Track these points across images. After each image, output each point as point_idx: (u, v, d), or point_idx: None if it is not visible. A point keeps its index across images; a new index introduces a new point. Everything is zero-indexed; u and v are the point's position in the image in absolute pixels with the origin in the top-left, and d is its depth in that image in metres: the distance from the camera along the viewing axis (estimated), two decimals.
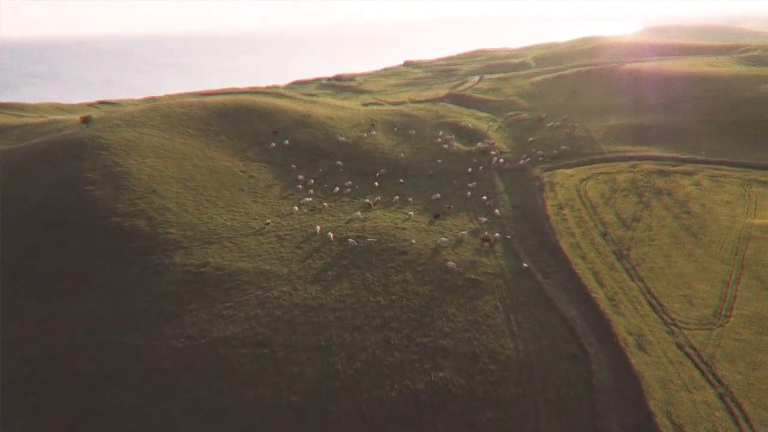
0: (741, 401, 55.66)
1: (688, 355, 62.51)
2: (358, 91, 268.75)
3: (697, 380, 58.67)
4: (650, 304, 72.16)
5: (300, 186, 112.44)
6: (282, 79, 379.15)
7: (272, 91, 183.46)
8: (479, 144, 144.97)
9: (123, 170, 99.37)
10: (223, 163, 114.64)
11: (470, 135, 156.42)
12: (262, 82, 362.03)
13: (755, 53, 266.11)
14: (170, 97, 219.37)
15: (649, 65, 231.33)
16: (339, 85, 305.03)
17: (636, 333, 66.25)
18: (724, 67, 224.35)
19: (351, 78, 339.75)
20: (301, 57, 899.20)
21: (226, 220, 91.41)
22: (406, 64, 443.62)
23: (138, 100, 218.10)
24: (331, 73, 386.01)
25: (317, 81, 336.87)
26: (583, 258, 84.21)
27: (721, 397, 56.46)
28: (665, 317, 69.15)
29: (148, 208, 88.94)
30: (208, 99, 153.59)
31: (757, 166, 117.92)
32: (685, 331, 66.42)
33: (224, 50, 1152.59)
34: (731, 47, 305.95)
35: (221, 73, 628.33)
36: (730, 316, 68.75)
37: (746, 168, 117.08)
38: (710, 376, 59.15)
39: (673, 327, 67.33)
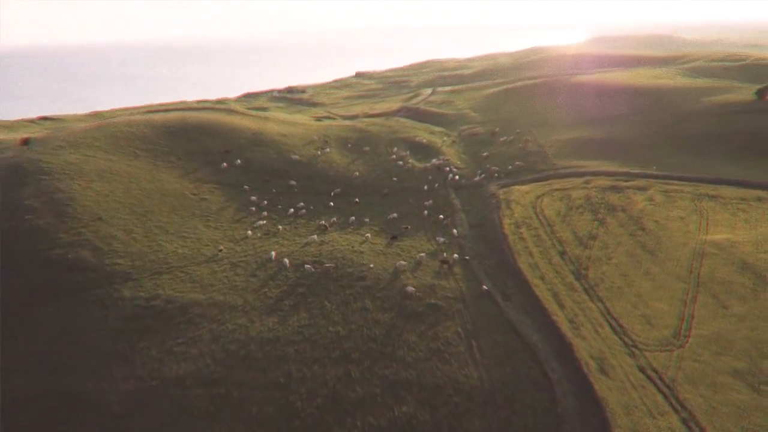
0: (705, 426, 55.77)
1: (650, 378, 62.45)
2: (310, 104, 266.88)
3: (661, 405, 58.56)
4: (610, 325, 72.09)
5: (253, 208, 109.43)
6: (232, 91, 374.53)
7: (223, 107, 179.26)
8: (434, 160, 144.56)
9: (66, 196, 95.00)
10: (172, 185, 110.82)
11: (425, 151, 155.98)
12: (213, 94, 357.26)
13: (697, 64, 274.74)
14: (116, 112, 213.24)
15: (597, 77, 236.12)
16: (291, 97, 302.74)
17: (598, 356, 65.95)
18: (670, 79, 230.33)
19: (303, 90, 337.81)
20: (252, 67, 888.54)
21: (177, 247, 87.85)
22: (358, 75, 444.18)
23: (82, 116, 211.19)
24: (282, 85, 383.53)
25: (269, 93, 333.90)
26: (542, 278, 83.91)
27: (685, 422, 56.42)
28: (626, 339, 69.11)
29: (94, 237, 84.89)
30: (155, 116, 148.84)
31: (707, 180, 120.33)
32: (647, 353, 66.48)
33: (173, 61, 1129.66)
34: (674, 58, 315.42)
35: (170, 84, 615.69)
36: (689, 337, 69.12)
37: (696, 182, 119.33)
38: (673, 401, 59.12)
39: (634, 349, 67.32)
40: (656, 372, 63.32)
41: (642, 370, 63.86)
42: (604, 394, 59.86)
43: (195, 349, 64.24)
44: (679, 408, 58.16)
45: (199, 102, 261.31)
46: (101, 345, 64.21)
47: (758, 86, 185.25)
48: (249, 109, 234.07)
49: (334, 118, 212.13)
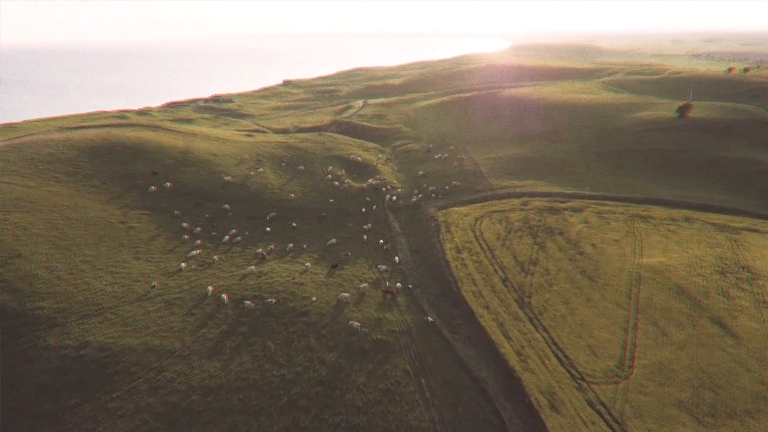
0: None
1: (599, 413, 62.79)
2: (238, 115, 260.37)
3: None
4: (557, 357, 72.26)
5: (186, 236, 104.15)
6: (154, 100, 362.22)
7: (147, 123, 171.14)
8: (371, 180, 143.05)
9: None
10: (98, 213, 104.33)
11: (360, 169, 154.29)
12: (134, 103, 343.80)
13: (618, 77, 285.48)
14: (30, 125, 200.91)
15: (526, 91, 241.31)
16: (217, 107, 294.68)
17: (547, 391, 65.88)
18: (594, 94, 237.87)
19: (229, 99, 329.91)
20: (172, 73, 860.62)
21: (105, 285, 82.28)
22: (285, 83, 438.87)
23: None
24: (206, 93, 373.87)
25: (193, 102, 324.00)
26: (487, 308, 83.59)
27: None
28: (573, 371, 69.37)
29: (13, 277, 78.47)
30: (76, 135, 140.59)
31: (637, 201, 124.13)
32: (594, 386, 66.89)
33: (86, 66, 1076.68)
34: (596, 70, 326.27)
35: (85, 92, 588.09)
36: (633, 367, 70.04)
37: (628, 203, 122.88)
38: None
39: (581, 382, 67.59)
40: (605, 406, 63.67)
41: (591, 404, 64.10)
42: None
43: (132, 404, 60.03)
44: None
45: (120, 113, 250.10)
46: (25, 405, 59.03)
47: (678, 103, 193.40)
48: (174, 120, 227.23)
49: (264, 132, 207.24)
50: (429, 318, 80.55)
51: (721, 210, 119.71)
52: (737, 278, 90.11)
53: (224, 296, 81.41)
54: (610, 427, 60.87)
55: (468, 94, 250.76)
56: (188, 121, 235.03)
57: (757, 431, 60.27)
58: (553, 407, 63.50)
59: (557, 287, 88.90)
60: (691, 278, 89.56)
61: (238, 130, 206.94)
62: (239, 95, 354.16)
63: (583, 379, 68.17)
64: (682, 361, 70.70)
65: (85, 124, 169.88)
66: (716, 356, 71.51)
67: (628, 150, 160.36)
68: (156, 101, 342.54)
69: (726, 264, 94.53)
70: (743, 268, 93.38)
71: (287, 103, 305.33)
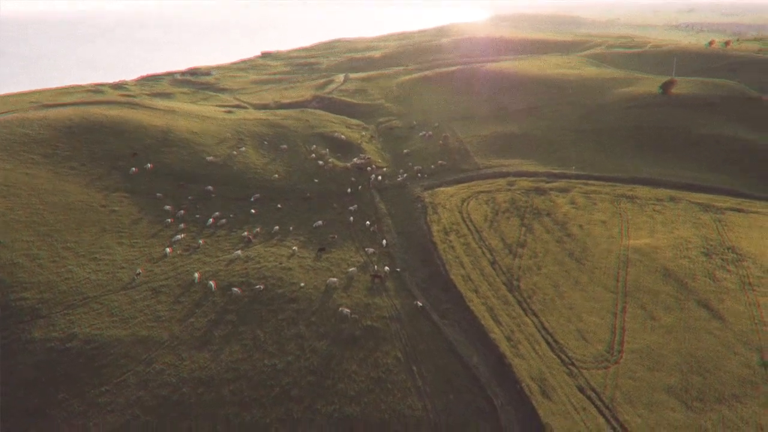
0: None
1: (590, 399, 63.28)
2: (216, 89, 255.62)
3: (603, 428, 59.56)
4: (547, 342, 72.63)
5: (169, 219, 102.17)
6: (130, 72, 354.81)
7: (126, 100, 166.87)
8: (355, 159, 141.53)
9: None
10: (78, 196, 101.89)
11: (344, 148, 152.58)
12: (109, 76, 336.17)
13: (600, 50, 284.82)
14: (3, 99, 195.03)
15: (508, 66, 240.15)
16: (195, 81, 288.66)
17: (538, 377, 66.23)
18: (576, 68, 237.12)
19: (207, 72, 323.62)
20: (147, 45, 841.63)
21: (89, 272, 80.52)
22: (264, 55, 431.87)
23: None
24: (184, 65, 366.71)
25: (170, 76, 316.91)
26: (476, 292, 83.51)
27: None
28: (563, 356, 69.75)
29: None
30: (52, 113, 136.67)
31: (623, 180, 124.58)
32: (584, 372, 67.37)
33: (56, 37, 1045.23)
34: (578, 43, 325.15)
35: (59, 64, 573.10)
36: (622, 352, 70.60)
37: (613, 182, 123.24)
38: (614, 423, 60.19)
39: (571, 367, 68.02)
40: (595, 392, 64.19)
41: (582, 390, 64.59)
42: (548, 419, 60.06)
43: (121, 398, 59.16)
44: (620, 430, 59.18)
45: (95, 86, 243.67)
46: (13, 401, 57.86)
47: (660, 78, 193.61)
48: (152, 95, 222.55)
49: (245, 108, 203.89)
50: (418, 303, 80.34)
51: (706, 189, 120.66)
52: (723, 260, 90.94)
53: (212, 283, 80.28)
54: (600, 413, 61.40)
55: (450, 69, 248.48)
56: (166, 95, 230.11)
57: (744, 416, 61.13)
58: (544, 393, 63.84)
59: (545, 270, 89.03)
60: (678, 260, 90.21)
61: (218, 106, 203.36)
62: (217, 68, 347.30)
63: (573, 364, 68.61)
64: (670, 346, 71.37)
65: (62, 101, 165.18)
66: (704, 340, 72.29)
67: (612, 127, 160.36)
68: (130, 74, 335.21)
69: (712, 245, 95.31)
70: (729, 249, 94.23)
71: (266, 77, 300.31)
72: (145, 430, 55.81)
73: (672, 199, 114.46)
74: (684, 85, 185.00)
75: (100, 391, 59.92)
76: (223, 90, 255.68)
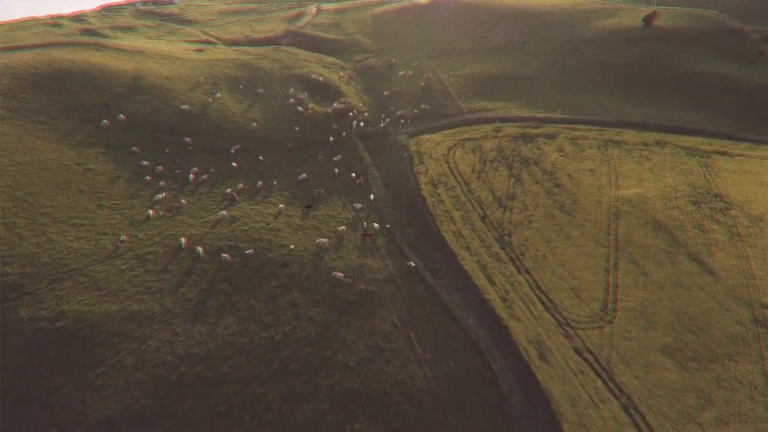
0: (644, 412, 58.31)
1: (587, 361, 64.20)
2: (182, 21, 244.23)
3: (601, 391, 60.45)
4: (542, 301, 73.06)
5: (148, 177, 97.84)
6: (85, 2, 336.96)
7: (91, 41, 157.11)
8: (336, 105, 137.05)
9: None
10: (50, 154, 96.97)
11: (323, 90, 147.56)
12: (63, 6, 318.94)
13: None
14: None
15: None
16: (158, 11, 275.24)
17: (535, 340, 66.81)
18: None
19: (170, 1, 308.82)
20: None
21: (71, 240, 77.43)
22: None
23: None
24: None
25: (131, 6, 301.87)
26: (468, 249, 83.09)
27: (625, 409, 58.72)
28: (558, 317, 70.34)
29: None
30: (13, 60, 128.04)
31: (609, 123, 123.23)
32: (579, 332, 68.10)
33: None
34: None
35: None
36: (616, 310, 71.37)
37: (600, 126, 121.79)
38: (612, 385, 61.24)
39: (567, 328, 68.72)
40: (592, 354, 65.09)
41: (578, 352, 65.41)
42: (547, 384, 60.94)
43: (119, 380, 57.92)
44: (618, 393, 60.37)
45: (52, 19, 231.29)
46: (7, 387, 56.21)
47: (642, 9, 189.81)
48: (113, 29, 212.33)
49: (215, 44, 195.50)
50: (411, 263, 79.70)
51: (691, 131, 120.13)
52: (711, 209, 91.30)
53: (200, 249, 78.10)
54: (598, 375, 62.38)
55: (427, 0, 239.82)
56: (129, 29, 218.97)
57: (738, 375, 62.55)
58: (542, 357, 64.49)
59: (536, 224, 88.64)
60: (667, 211, 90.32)
61: (186, 41, 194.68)
62: None
63: (568, 324, 69.21)
64: (663, 303, 72.20)
65: (19, 43, 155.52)
66: (696, 296, 73.18)
67: (593, 63, 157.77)
68: (89, 5, 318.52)
69: (699, 193, 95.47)
70: (716, 196, 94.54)
71: (234, 6, 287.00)
72: (146, 413, 54.92)
73: (658, 143, 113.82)
74: (667, 17, 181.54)
75: (95, 373, 58.49)
76: (189, 22, 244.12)
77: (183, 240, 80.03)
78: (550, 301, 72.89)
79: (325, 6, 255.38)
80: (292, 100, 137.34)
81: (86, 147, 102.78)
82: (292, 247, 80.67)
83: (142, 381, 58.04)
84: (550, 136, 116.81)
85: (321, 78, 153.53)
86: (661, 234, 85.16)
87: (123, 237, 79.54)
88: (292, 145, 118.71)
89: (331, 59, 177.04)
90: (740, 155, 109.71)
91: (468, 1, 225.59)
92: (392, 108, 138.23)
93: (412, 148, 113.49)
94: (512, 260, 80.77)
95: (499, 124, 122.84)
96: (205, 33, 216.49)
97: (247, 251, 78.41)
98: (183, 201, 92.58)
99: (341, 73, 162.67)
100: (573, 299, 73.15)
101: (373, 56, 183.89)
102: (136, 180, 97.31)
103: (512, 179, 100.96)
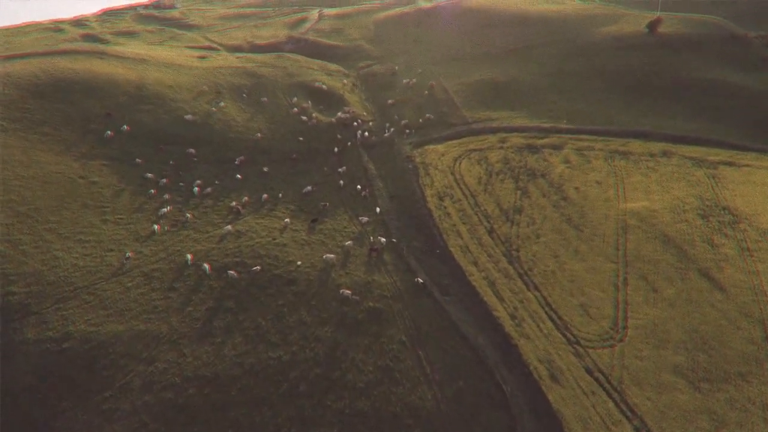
0: None
1: (598, 381, 63.41)
2: (184, 26, 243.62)
3: (613, 413, 59.78)
4: (551, 319, 72.27)
5: (153, 190, 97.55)
6: (88, 5, 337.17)
7: (93, 49, 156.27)
8: (340, 114, 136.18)
9: None
10: (54, 167, 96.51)
11: (327, 99, 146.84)
12: (65, 10, 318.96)
13: None
14: None
15: (490, 1, 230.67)
16: (160, 16, 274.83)
17: (545, 359, 66.10)
18: (561, 3, 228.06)
19: (171, 5, 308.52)
20: None
21: (76, 258, 76.93)
22: None
23: None
24: None
25: (133, 10, 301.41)
26: (476, 264, 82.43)
27: (638, 431, 57.75)
28: (568, 335, 69.57)
29: None
30: (15, 69, 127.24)
31: (615, 133, 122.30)
32: (590, 351, 67.28)
33: None
34: None
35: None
36: (627, 328, 70.55)
37: (606, 136, 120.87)
38: (624, 407, 60.53)
39: (577, 347, 67.97)
40: (603, 374, 64.33)
41: (589, 372, 64.65)
42: (558, 406, 60.22)
43: (126, 404, 57.46)
44: (630, 415, 59.66)
45: (54, 24, 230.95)
46: (11, 413, 55.71)
47: (646, 15, 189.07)
48: (115, 34, 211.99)
49: (217, 50, 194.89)
50: (418, 279, 79.08)
51: (697, 141, 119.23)
52: (719, 222, 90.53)
53: (206, 266, 77.46)
54: (610, 396, 61.68)
55: (429, 4, 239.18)
56: (131, 34, 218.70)
57: (751, 395, 61.84)
58: (552, 377, 63.81)
59: (544, 238, 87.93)
60: (676, 224, 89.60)
61: (189, 47, 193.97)
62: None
63: (579, 343, 68.47)
64: (674, 321, 71.41)
65: (21, 50, 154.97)
66: (706, 314, 72.41)
67: (600, 70, 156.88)
68: (90, 8, 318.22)
69: (707, 206, 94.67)
70: (724, 209, 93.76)
71: (235, 11, 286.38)
72: None
73: (665, 153, 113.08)
74: (671, 23, 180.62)
75: (103, 396, 58.09)
76: (190, 27, 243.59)
77: (189, 256, 79.46)
78: (560, 318, 72.19)
79: (326, 11, 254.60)
80: (296, 109, 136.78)
81: (90, 159, 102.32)
82: (299, 263, 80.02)
83: (150, 404, 57.53)
84: (556, 147, 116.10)
85: (324, 86, 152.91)
86: (670, 249, 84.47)
87: (128, 253, 79.05)
88: (296, 155, 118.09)
89: (334, 66, 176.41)
90: (747, 165, 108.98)
91: (470, 6, 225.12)
92: (396, 117, 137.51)
93: (417, 159, 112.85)
94: (520, 276, 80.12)
95: (504, 134, 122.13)
96: (207, 39, 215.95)
97: (254, 268, 77.79)
98: (188, 215, 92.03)
99: (345, 81, 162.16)
100: (583, 316, 72.45)
101: (377, 63, 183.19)
102: (141, 193, 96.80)
103: (519, 192, 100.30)
